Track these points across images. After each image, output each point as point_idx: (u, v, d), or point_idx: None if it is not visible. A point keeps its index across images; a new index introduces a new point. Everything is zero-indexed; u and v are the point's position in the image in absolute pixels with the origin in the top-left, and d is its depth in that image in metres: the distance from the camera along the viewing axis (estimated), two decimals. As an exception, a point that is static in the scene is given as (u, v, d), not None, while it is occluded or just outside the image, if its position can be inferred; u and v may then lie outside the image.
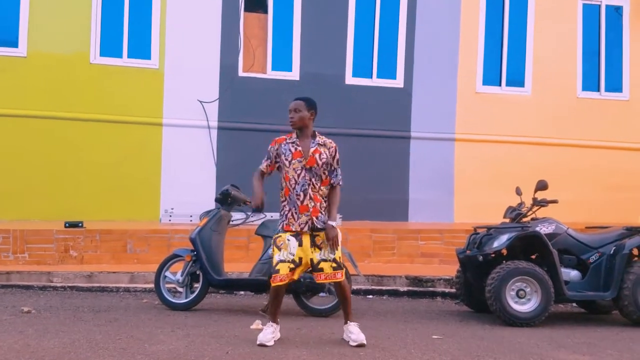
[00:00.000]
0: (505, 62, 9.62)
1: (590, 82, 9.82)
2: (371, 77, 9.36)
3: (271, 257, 4.12)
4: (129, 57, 8.84)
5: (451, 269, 7.43)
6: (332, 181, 4.12)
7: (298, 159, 4.03)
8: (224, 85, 8.95)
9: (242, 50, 9.07)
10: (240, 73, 9.07)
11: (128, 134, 8.69)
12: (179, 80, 8.79)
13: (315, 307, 5.10)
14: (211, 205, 7.98)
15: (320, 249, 4.00)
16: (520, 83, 9.64)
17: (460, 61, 9.46)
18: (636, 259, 5.12)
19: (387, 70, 9.41)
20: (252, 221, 7.42)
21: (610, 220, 6.89)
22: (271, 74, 9.15)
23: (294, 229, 3.99)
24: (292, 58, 9.19)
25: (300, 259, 3.98)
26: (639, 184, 9.60)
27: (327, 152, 4.09)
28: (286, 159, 4.04)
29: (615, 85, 9.84)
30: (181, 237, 7.31)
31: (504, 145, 9.40)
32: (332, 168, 4.12)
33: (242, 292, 6.04)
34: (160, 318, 4.88)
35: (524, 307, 4.90)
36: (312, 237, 4.00)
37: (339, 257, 4.03)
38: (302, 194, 4.00)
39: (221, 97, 8.94)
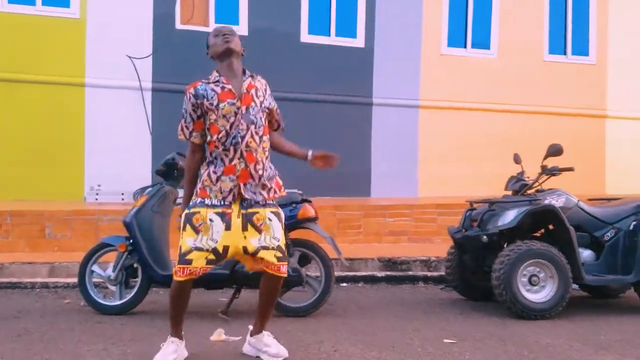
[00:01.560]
0: (470, 23, 8.86)
1: (557, 45, 9.24)
2: (329, 35, 8.32)
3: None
4: (43, 4, 7.33)
5: (423, 248, 6.72)
6: (282, 125, 3.20)
7: (229, 100, 2.86)
8: (159, 40, 7.63)
9: (179, -1, 7.77)
10: (178, 25, 7.79)
11: (43, 96, 7.24)
12: (105, 32, 7.40)
13: (289, 305, 4.09)
14: (146, 180, 6.79)
15: (259, 232, 2.87)
16: (486, 45, 8.92)
17: (424, 20, 8.60)
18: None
19: (347, 28, 8.40)
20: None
21: (581, 191, 6.28)
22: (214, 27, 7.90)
23: (212, 202, 2.84)
24: (239, 10, 7.99)
25: (226, 248, 2.83)
26: (605, 152, 9.23)
27: (262, 88, 3.01)
28: (211, 104, 2.86)
29: (581, 48, 9.32)
30: (111, 220, 6.10)
31: (469, 112, 8.69)
32: (274, 108, 3.09)
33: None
34: (88, 328, 3.73)
35: (538, 295, 4.12)
36: (247, 217, 2.87)
37: (284, 244, 2.97)
38: (231, 149, 2.86)
39: (155, 53, 7.63)
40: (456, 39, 8.78)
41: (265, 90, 3.03)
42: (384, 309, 4.37)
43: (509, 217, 4.24)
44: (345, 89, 8.27)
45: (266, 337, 3.07)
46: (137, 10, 7.56)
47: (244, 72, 3.00)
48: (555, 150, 4.38)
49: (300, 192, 4.23)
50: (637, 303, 4.56)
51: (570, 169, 4.41)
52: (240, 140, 2.87)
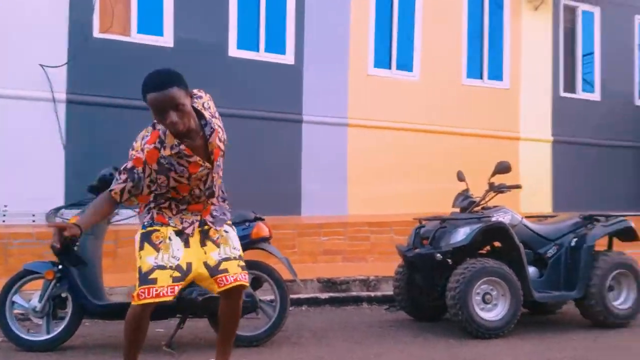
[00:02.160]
0: (395, 45, 9.03)
1: (474, 70, 9.65)
2: (258, 51, 8.12)
3: (137, 262, 2.55)
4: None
5: (358, 267, 6.64)
6: None
7: (200, 169, 2.51)
8: (75, 48, 7.03)
9: (97, 5, 7.23)
10: (96, 34, 7.22)
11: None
12: (14, 38, 6.69)
13: (242, 333, 3.76)
14: (59, 200, 6.20)
15: (217, 245, 2.66)
16: (409, 67, 9.12)
17: (351, 40, 8.65)
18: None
19: (276, 44, 8.24)
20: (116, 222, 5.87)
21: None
22: (136, 38, 7.42)
23: (172, 225, 2.58)
24: (164, 20, 7.57)
25: (190, 265, 2.56)
26: (519, 172, 9.68)
27: (218, 124, 2.63)
28: (180, 176, 2.49)
29: (496, 73, 9.80)
30: (22, 244, 5.47)
31: (395, 132, 8.80)
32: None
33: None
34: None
35: (491, 314, 4.14)
36: (203, 233, 2.65)
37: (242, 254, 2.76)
38: (202, 196, 2.63)
39: (71, 62, 7.02)
40: (382, 60, 8.90)
41: (217, 117, 2.66)
42: (338, 334, 4.18)
43: (461, 234, 4.23)
44: (275, 106, 8.08)
45: None
46: (51, 16, 6.92)
47: (197, 112, 2.51)
48: (502, 168, 4.46)
49: (252, 210, 3.97)
50: (574, 318, 4.72)
51: (517, 187, 4.52)
52: (213, 189, 2.64)
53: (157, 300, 2.46)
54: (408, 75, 9.02)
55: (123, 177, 2.46)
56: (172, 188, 2.54)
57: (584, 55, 10.64)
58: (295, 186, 8.15)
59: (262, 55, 8.13)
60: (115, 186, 2.46)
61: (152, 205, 2.60)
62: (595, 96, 10.59)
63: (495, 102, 9.61)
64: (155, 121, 2.52)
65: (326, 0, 8.45)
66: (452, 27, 9.37)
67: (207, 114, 2.55)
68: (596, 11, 10.62)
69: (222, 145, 2.61)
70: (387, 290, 5.67)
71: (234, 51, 7.97)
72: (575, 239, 4.51)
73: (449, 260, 4.23)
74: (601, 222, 4.62)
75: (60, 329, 3.63)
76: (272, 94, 8.11)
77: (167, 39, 7.55)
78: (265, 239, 3.91)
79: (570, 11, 10.50)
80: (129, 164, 2.46)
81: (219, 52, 7.86)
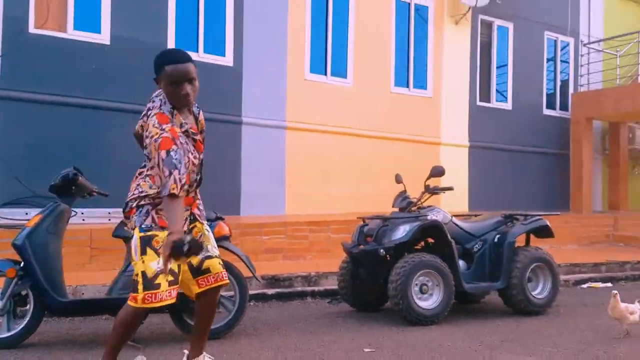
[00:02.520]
0: (330, 52, 9.43)
1: (402, 79, 10.24)
2: (197, 52, 8.22)
3: (138, 266, 2.67)
4: None
5: (298, 265, 6.95)
6: None
7: (199, 151, 2.81)
8: (8, 44, 6.83)
9: (32, 0, 7.05)
10: (32, 29, 7.05)
11: None
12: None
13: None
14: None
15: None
16: (344, 74, 9.56)
17: (289, 45, 8.95)
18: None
19: (215, 46, 8.38)
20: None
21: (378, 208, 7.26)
22: (73, 34, 7.30)
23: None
24: (101, 17, 7.50)
25: (179, 266, 2.70)
26: (382, 174, 10.22)
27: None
28: (195, 158, 2.73)
29: (421, 83, 10.45)
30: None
31: (330, 135, 9.19)
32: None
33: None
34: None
35: (428, 303, 4.60)
36: (188, 233, 2.81)
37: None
38: (193, 185, 2.84)
39: (4, 58, 6.81)
40: (318, 66, 9.26)
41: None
42: (291, 326, 4.47)
43: (402, 232, 4.66)
44: (215, 107, 8.18)
45: (207, 358, 2.99)
46: (-18, 9, 6.71)
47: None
48: (437, 172, 4.94)
49: (212, 210, 4.17)
50: (496, 306, 5.29)
51: (450, 189, 5.01)
52: (200, 179, 2.86)
53: (160, 304, 2.63)
54: (342, 82, 9.45)
55: (180, 170, 2.51)
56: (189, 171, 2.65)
57: (498, 67, 11.58)
58: (234, 187, 8.33)
59: (202, 56, 8.23)
60: (178, 183, 2.49)
61: (149, 207, 2.72)
62: (508, 105, 11.55)
63: (420, 109, 10.27)
64: (150, 105, 2.76)
65: (264, 4, 8.71)
66: (382, 38, 9.90)
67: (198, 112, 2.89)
68: (510, 26, 11.58)
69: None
70: (328, 285, 6.04)
71: (172, 51, 8.02)
72: (498, 236, 5.07)
73: (387, 256, 4.66)
74: (520, 220, 5.22)
75: (21, 326, 3.66)
76: (211, 95, 8.21)
77: (104, 37, 7.49)
78: (226, 238, 4.14)
79: (487, 26, 11.38)
80: (167, 152, 2.51)
81: (157, 51, 7.84)
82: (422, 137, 10.19)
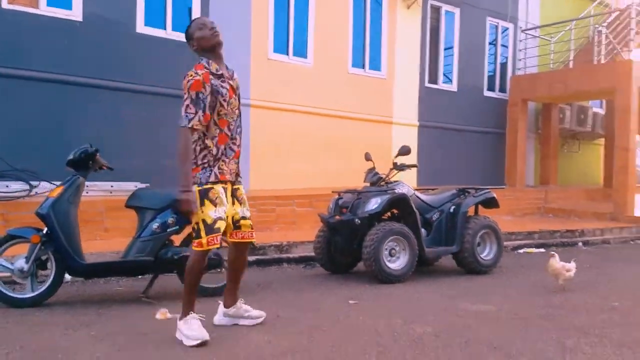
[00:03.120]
0: (292, 33, 9.87)
1: (358, 60, 10.84)
2: (165, 29, 8.47)
3: (198, 215, 3.19)
4: None
5: (267, 235, 7.50)
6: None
7: (233, 97, 3.33)
8: (-20, 18, 6.92)
9: (4, -25, 7.11)
10: (4, 5, 7.11)
11: None
12: None
13: (206, 285, 4.51)
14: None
15: (241, 203, 3.46)
16: (304, 54, 10.04)
17: (253, 25, 9.33)
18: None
19: (182, 24, 8.64)
20: (37, 194, 6.18)
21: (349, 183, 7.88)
22: (45, 10, 7.41)
23: (228, 178, 3.30)
24: (73, -7, 7.64)
25: (227, 217, 3.30)
26: (391, 152, 11.12)
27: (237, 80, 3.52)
28: (224, 100, 3.24)
29: (376, 64, 11.09)
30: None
31: (292, 114, 9.70)
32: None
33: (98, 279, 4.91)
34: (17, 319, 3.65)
35: (396, 264, 5.30)
36: (233, 192, 3.41)
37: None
38: (237, 137, 3.40)
39: (-24, 32, 6.89)
40: (280, 46, 9.71)
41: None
42: (279, 286, 5.06)
43: (374, 203, 5.33)
44: (181, 84, 8.52)
45: (243, 303, 3.56)
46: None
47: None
48: (405, 151, 5.60)
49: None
50: (448, 268, 6.08)
51: (414, 166, 5.70)
52: (241, 128, 3.37)
53: (217, 245, 3.18)
54: (303, 62, 9.94)
55: (192, 110, 3.12)
56: (219, 115, 3.21)
57: (445, 50, 12.38)
58: (200, 161, 8.72)
59: (169, 34, 8.50)
60: (193, 121, 3.10)
61: (212, 163, 3.23)
62: (453, 87, 12.43)
63: (375, 90, 10.93)
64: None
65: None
66: (340, 20, 10.43)
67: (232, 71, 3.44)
68: (456, 11, 12.37)
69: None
70: (298, 252, 6.65)
71: (141, 28, 8.25)
72: (453, 207, 5.84)
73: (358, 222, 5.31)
74: (472, 193, 6.01)
75: (44, 288, 4.06)
76: (178, 72, 8.49)
77: (76, 13, 7.64)
78: (226, 207, 4.62)
79: (436, 10, 12.12)
80: (192, 94, 3.12)
81: (127, 28, 8.10)
82: (376, 117, 10.88)
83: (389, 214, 5.81)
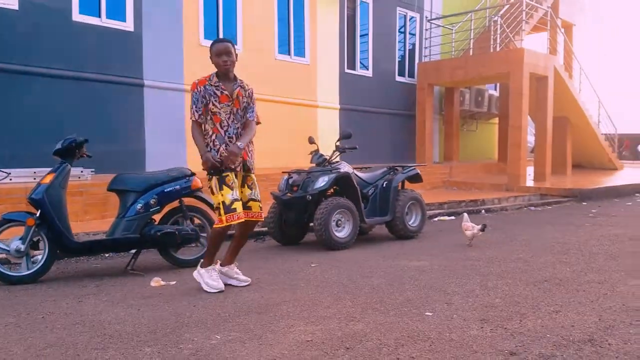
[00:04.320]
0: (221, 20, 10.31)
1: (284, 47, 11.49)
2: (100, 17, 8.64)
3: (218, 198, 4.01)
4: None
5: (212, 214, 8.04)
6: (247, 116, 4.24)
7: (226, 102, 4.09)
8: None
9: None
10: None
11: None
12: None
13: (184, 258, 5.09)
14: None
15: (250, 188, 4.24)
16: (234, 41, 10.46)
17: (184, 13, 9.67)
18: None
19: (117, 11, 8.85)
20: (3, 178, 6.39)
21: (300, 163, 8.81)
22: (-21, -2, 7.40)
23: (234, 167, 4.08)
24: (9, -18, 7.64)
25: (240, 198, 4.14)
26: (317, 134, 11.98)
27: (246, 94, 4.23)
28: (216, 101, 4.06)
29: (300, 51, 11.80)
30: None
31: (223, 98, 10.16)
32: (250, 107, 4.26)
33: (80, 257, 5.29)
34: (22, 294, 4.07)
35: (342, 233, 6.13)
36: (243, 178, 4.23)
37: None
38: (234, 136, 4.11)
39: None
40: (211, 32, 10.12)
41: (248, 95, 4.21)
42: (247, 256, 5.63)
43: (322, 182, 6.10)
44: (118, 70, 8.78)
45: (235, 267, 4.23)
46: None
47: (234, 79, 4.13)
48: (346, 135, 6.41)
49: (187, 168, 5.20)
50: (380, 236, 7.02)
51: (354, 148, 6.52)
52: (237, 131, 3.98)
53: (237, 222, 3.95)
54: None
55: (193, 107, 4.10)
56: (212, 113, 4.00)
57: (361, 36, 13.31)
58: (139, 145, 9.06)
59: (104, 22, 8.69)
60: (193, 114, 4.11)
61: (211, 147, 4.02)
62: (369, 73, 13.43)
63: (300, 75, 11.65)
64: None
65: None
66: (266, 9, 11.00)
67: (242, 83, 4.17)
68: (370, 2, 13.32)
69: (241, 103, 4.15)
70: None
71: (77, 16, 8.38)
72: (385, 182, 6.77)
73: (309, 198, 6.08)
74: (400, 171, 6.96)
75: (38, 266, 4.46)
76: (114, 58, 8.78)
77: (12, 2, 7.66)
78: (199, 189, 5.20)
79: (352, 1, 12.99)
80: (192, 93, 4.11)
81: (63, 16, 8.20)
82: (302, 100, 11.63)
83: (331, 190, 6.61)
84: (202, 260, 4.26)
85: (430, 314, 3.54)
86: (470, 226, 6.18)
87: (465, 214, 6.19)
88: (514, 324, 3.30)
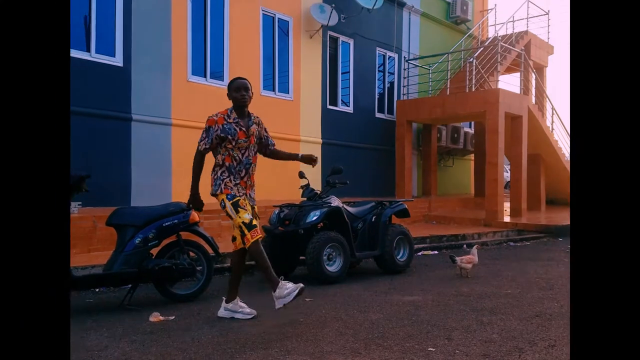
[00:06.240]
0: (209, 57, 10.49)
1: (268, 83, 11.71)
2: (89, 52, 8.72)
3: (237, 220, 4.21)
4: None
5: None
6: (270, 147, 4.64)
7: (243, 139, 4.32)
8: None
9: None
10: None
11: None
12: None
13: (181, 292, 5.09)
14: None
15: (255, 219, 4.38)
16: (221, 77, 10.70)
17: (173, 50, 9.83)
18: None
19: (106, 46, 8.95)
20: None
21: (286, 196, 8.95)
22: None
23: (242, 192, 4.31)
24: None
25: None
26: (286, 169, 12.10)
27: (259, 129, 4.50)
28: (232, 139, 4.29)
29: (284, 87, 12.03)
30: None
31: (208, 132, 10.27)
32: (265, 137, 4.61)
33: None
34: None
35: (333, 267, 6.21)
36: (251, 202, 4.45)
37: None
38: (243, 170, 4.35)
39: None
40: (198, 69, 10.28)
41: (261, 128, 4.49)
42: (242, 290, 5.70)
43: (314, 216, 6.21)
44: (106, 104, 8.83)
45: (239, 301, 4.29)
46: None
47: (248, 114, 4.39)
48: (336, 170, 6.55)
49: (184, 203, 5.25)
50: (368, 270, 7.12)
51: (345, 183, 6.66)
52: (249, 166, 4.17)
53: (260, 237, 4.12)
54: (219, 84, 10.58)
55: (203, 136, 4.24)
56: (228, 149, 4.20)
57: (342, 74, 13.65)
58: (125, 178, 9.05)
59: (94, 56, 8.78)
60: (201, 144, 4.34)
61: (232, 184, 4.22)
62: (350, 109, 13.73)
63: (284, 111, 11.85)
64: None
65: (150, 10, 9.46)
66: (252, 47, 11.24)
67: (255, 119, 4.45)
68: (351, 42, 13.72)
69: (256, 138, 4.45)
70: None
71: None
72: (374, 217, 6.90)
73: (302, 232, 6.17)
74: (388, 205, 7.11)
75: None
76: (103, 93, 8.83)
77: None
78: (197, 223, 5.24)
79: (334, 41, 13.37)
80: (206, 127, 4.34)
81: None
82: (286, 135, 11.79)
83: (320, 224, 6.71)
84: (224, 297, 4.53)
85: (433, 349, 3.63)
86: (476, 259, 6.53)
87: (475, 248, 6.88)
88: (514, 359, 3.42)
